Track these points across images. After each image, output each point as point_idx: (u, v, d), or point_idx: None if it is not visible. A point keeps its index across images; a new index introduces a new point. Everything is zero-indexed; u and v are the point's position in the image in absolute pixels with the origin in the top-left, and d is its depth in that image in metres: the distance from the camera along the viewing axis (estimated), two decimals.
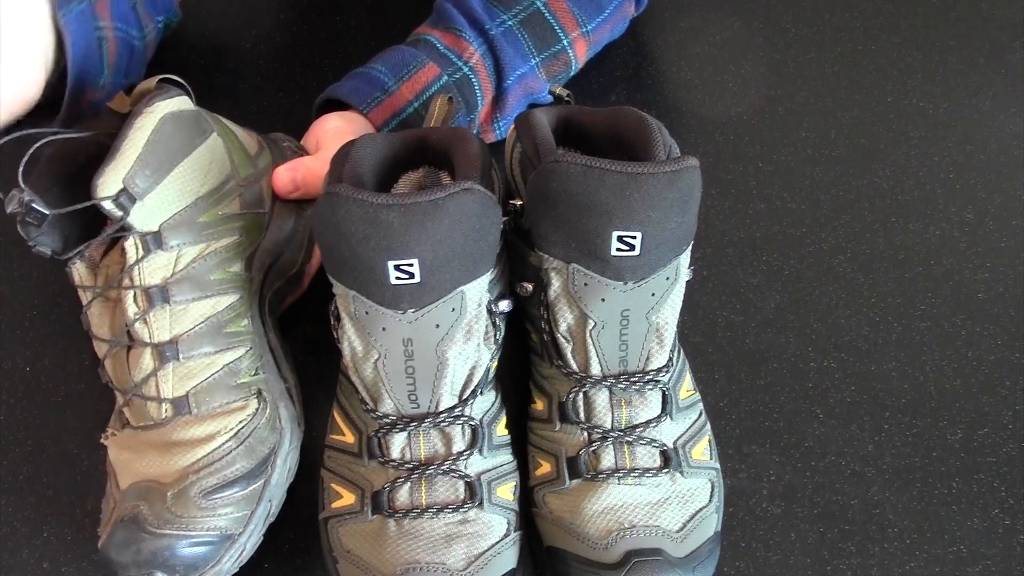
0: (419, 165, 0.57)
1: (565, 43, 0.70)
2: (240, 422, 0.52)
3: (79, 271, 0.54)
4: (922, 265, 0.66)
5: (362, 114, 0.65)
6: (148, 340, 0.52)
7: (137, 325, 0.52)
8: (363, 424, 0.52)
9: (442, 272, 0.47)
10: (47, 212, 0.51)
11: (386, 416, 0.51)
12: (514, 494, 0.53)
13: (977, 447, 0.58)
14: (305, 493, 0.56)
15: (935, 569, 0.54)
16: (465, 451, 0.51)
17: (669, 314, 0.51)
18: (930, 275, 0.66)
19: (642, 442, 0.52)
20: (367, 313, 0.48)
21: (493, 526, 0.51)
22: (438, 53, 0.67)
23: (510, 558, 0.51)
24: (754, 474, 0.58)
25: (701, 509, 0.51)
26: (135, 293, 0.52)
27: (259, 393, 0.54)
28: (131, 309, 0.52)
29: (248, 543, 0.52)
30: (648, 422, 0.52)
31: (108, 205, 0.51)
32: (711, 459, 0.54)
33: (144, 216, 0.52)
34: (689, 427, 0.54)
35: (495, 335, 0.52)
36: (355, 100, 0.65)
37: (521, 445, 0.56)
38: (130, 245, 0.52)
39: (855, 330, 0.64)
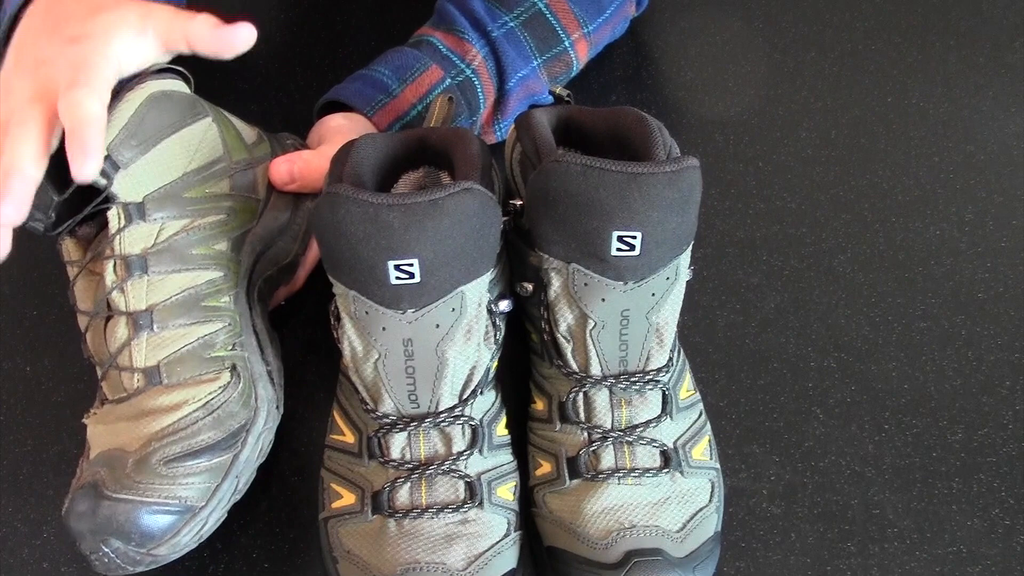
0: (419, 165, 0.57)
1: (567, 44, 0.70)
2: (210, 394, 0.52)
3: (67, 247, 0.54)
4: (922, 265, 0.66)
5: (366, 117, 0.65)
6: (124, 309, 0.52)
7: (114, 294, 0.52)
8: (363, 424, 0.52)
9: (442, 272, 0.47)
10: (56, 197, 0.51)
11: (386, 416, 0.51)
12: (514, 494, 0.53)
13: (977, 447, 0.58)
14: (305, 493, 0.56)
15: (935, 569, 0.54)
16: (465, 451, 0.51)
17: (669, 314, 0.51)
18: (930, 275, 0.66)
19: (642, 442, 0.52)
20: (367, 313, 0.48)
21: (493, 526, 0.51)
22: (441, 55, 0.66)
23: (510, 558, 0.51)
24: (754, 474, 0.58)
25: (701, 509, 0.51)
26: (115, 262, 0.52)
27: (233, 367, 0.53)
28: (109, 278, 0.52)
29: (211, 518, 0.51)
30: (648, 422, 0.52)
31: None
32: (711, 459, 0.54)
33: (128, 186, 0.52)
34: (689, 427, 0.54)
35: (495, 335, 0.52)
36: (359, 103, 0.65)
37: (521, 445, 0.56)
38: (113, 215, 0.52)
39: (855, 330, 0.63)
